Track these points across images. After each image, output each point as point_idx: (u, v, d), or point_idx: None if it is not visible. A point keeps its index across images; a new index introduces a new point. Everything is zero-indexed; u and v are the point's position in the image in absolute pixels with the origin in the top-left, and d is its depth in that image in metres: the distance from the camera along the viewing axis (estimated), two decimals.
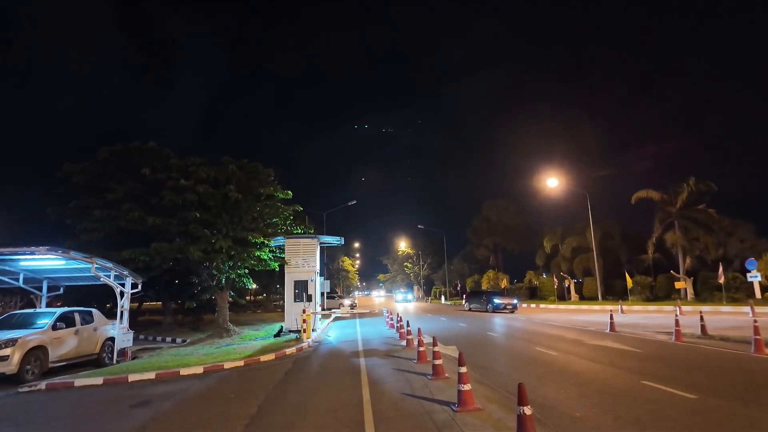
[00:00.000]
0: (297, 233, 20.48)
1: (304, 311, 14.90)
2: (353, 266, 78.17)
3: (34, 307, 14.42)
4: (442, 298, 54.83)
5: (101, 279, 12.89)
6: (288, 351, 12.80)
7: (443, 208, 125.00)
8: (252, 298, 46.79)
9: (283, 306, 19.39)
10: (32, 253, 10.85)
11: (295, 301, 17.77)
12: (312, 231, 22.01)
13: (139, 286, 14.84)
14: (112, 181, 17.10)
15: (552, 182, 32.09)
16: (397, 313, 18.27)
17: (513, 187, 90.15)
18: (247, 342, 16.42)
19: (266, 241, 17.77)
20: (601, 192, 35.43)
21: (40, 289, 14.30)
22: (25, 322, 11.71)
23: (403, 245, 74.95)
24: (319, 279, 19.01)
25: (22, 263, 12.45)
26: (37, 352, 10.75)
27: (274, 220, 20.16)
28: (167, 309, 22.80)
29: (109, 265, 13.09)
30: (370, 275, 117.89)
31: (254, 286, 19.56)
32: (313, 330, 15.92)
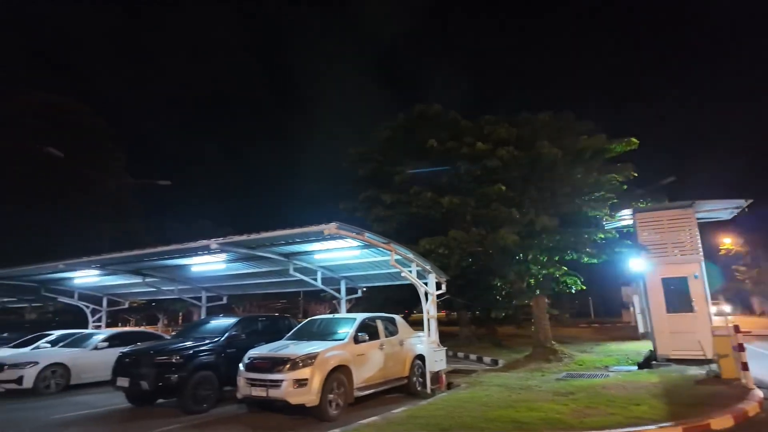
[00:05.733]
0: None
1: (732, 326, 8.03)
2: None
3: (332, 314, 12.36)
4: None
5: (402, 274, 9.36)
6: (749, 408, 6.29)
7: None
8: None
9: (634, 318, 12.71)
10: (319, 235, 7.89)
11: (668, 311, 10.94)
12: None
13: (443, 287, 11.03)
14: (395, 163, 14.33)
15: None
16: None
17: None
18: (598, 372, 10.61)
19: (608, 216, 11.68)
20: None
21: (339, 291, 12.06)
22: (317, 331, 9.02)
23: None
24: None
25: (317, 256, 10.04)
26: (339, 375, 7.60)
27: (599, 194, 13.77)
28: (462, 319, 19.19)
29: (410, 255, 9.50)
30: None
31: (582, 288, 13.59)
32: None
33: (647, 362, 10.83)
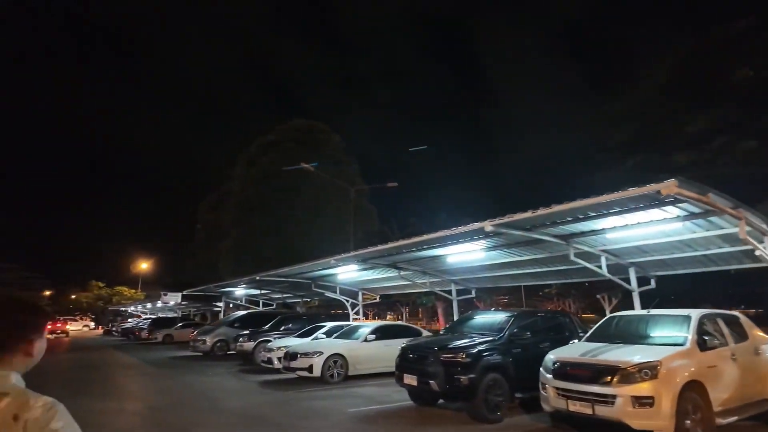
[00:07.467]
0: None
1: None
2: None
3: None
4: None
5: (757, 252, 6.48)
6: None
7: None
8: None
9: None
10: (656, 200, 5.84)
11: None
12: None
13: None
14: (674, 115, 10.98)
15: None
16: None
17: None
18: None
19: None
20: None
21: (627, 281, 9.58)
22: (625, 332, 6.89)
23: None
24: None
25: (609, 235, 7.91)
26: (692, 393, 5.41)
27: None
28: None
29: (764, 226, 6.56)
30: None
31: None
32: None
33: None
